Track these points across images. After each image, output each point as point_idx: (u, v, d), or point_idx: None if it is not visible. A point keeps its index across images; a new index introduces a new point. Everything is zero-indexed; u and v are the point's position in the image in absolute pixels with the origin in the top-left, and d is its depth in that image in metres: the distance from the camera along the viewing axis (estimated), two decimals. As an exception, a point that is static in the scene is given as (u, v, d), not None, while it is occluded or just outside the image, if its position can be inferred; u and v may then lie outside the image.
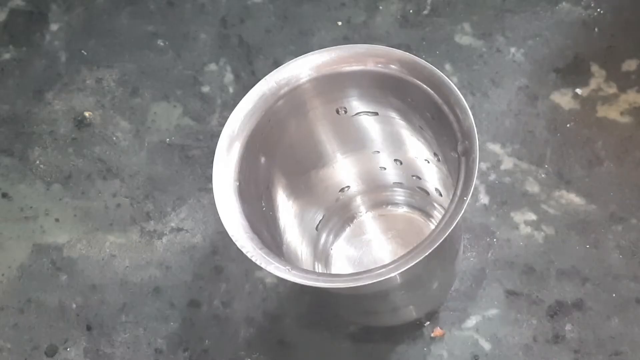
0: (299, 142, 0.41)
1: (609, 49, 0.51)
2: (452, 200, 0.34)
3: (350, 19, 0.55)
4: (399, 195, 0.47)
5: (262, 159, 0.39)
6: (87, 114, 0.54)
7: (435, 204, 0.46)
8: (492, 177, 0.49)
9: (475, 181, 0.34)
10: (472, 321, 0.46)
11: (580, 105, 0.50)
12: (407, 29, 0.54)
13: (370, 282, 0.33)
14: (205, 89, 0.54)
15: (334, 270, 0.47)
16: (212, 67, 0.55)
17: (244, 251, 0.34)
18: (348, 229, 0.48)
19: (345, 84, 0.38)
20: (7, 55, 0.57)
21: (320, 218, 0.46)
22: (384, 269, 0.33)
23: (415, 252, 0.33)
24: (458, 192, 0.34)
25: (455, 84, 0.36)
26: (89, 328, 0.48)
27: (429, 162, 0.42)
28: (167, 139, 0.53)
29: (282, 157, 0.40)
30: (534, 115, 0.50)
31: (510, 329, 0.45)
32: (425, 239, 0.34)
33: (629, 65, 0.51)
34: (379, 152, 0.43)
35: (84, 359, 0.48)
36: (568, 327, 0.45)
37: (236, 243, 0.34)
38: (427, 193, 0.45)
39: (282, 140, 0.40)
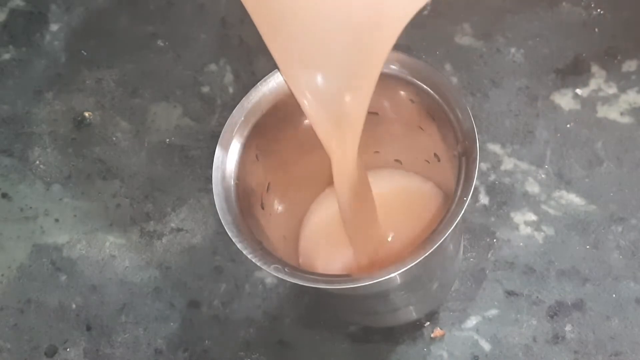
0: (299, 143, 0.41)
1: (609, 50, 0.51)
2: (452, 201, 0.34)
3: (350, 19, 0.55)
4: (399, 195, 0.47)
5: (262, 160, 0.39)
6: (87, 114, 0.54)
7: (435, 204, 0.46)
8: (492, 177, 0.49)
9: (475, 181, 0.34)
10: (472, 321, 0.46)
11: (580, 106, 0.50)
12: (407, 29, 0.53)
13: (370, 282, 0.33)
14: (205, 89, 0.54)
15: (333, 271, 0.47)
16: (212, 67, 0.55)
17: (244, 251, 0.34)
18: (348, 229, 0.48)
19: (345, 85, 0.38)
20: (6, 56, 0.57)
21: (321, 218, 0.46)
22: (384, 270, 0.33)
23: (415, 252, 0.33)
24: (458, 192, 0.34)
25: (455, 84, 0.36)
26: (88, 328, 0.48)
27: (429, 162, 0.42)
28: (167, 139, 0.53)
29: (282, 157, 0.40)
30: (533, 116, 0.50)
31: (510, 329, 0.45)
32: (425, 239, 0.34)
33: (629, 65, 0.51)
34: (379, 152, 0.43)
35: (83, 359, 0.48)
36: (568, 327, 0.45)
37: (236, 243, 0.34)
38: (427, 193, 0.45)
39: (282, 141, 0.40)
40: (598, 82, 0.51)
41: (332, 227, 0.43)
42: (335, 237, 0.42)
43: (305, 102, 0.34)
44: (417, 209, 0.43)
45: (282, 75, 0.35)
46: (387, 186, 0.43)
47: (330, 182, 0.44)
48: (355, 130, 0.34)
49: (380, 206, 0.40)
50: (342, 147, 0.35)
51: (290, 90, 0.35)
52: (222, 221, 0.35)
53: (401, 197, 0.44)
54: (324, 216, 0.44)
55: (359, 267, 0.41)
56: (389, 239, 0.42)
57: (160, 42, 0.56)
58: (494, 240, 0.47)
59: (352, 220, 0.38)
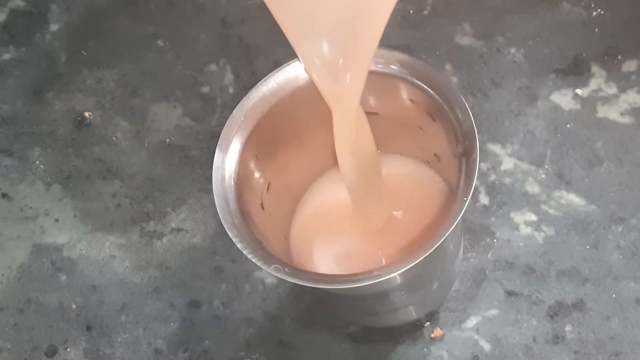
0: (298, 143, 0.41)
1: (609, 50, 0.51)
2: (451, 201, 0.34)
3: (350, 19, 0.55)
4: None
5: (262, 160, 0.39)
6: (87, 114, 0.54)
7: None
8: (492, 177, 0.49)
9: (475, 181, 0.34)
10: (472, 322, 0.46)
11: (580, 106, 0.50)
12: (408, 29, 0.54)
13: (370, 282, 0.33)
14: (205, 89, 0.54)
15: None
16: (212, 67, 0.55)
17: (244, 252, 0.34)
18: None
19: (345, 85, 0.38)
20: (7, 56, 0.57)
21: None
22: (384, 270, 0.33)
23: (415, 252, 0.33)
24: (458, 193, 0.34)
25: (455, 85, 0.36)
26: (88, 328, 0.48)
27: (429, 162, 0.42)
28: (167, 140, 0.53)
29: (281, 157, 0.40)
30: (534, 116, 0.50)
31: (510, 329, 0.45)
32: (425, 240, 0.34)
33: (629, 65, 0.51)
34: (378, 152, 0.43)
35: (83, 359, 0.48)
36: (568, 327, 0.45)
37: (236, 243, 0.34)
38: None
39: (282, 141, 0.40)
40: (598, 82, 0.51)
41: (323, 218, 0.43)
42: (327, 228, 0.42)
43: (306, 53, 0.34)
44: (420, 191, 0.42)
45: (282, 28, 0.34)
46: (388, 170, 0.42)
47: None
48: (359, 77, 0.34)
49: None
50: (342, 97, 0.34)
51: (293, 46, 0.34)
52: (222, 221, 0.35)
53: (403, 180, 0.43)
54: (315, 207, 0.43)
55: (363, 241, 0.40)
56: (395, 214, 0.41)
57: (160, 42, 0.56)
58: (494, 241, 0.47)
59: (356, 186, 0.37)
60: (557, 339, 0.45)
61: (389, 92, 0.38)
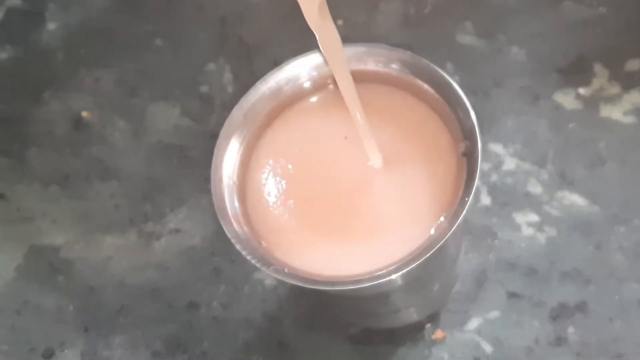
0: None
1: (612, 49, 0.51)
2: (453, 201, 0.34)
3: (350, 19, 0.54)
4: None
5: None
6: (84, 114, 0.54)
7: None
8: (494, 177, 0.49)
9: (477, 182, 0.34)
10: (473, 323, 0.46)
11: (582, 105, 0.50)
12: (408, 28, 0.54)
13: (370, 283, 0.33)
14: (204, 88, 0.54)
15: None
16: (211, 66, 0.55)
17: (243, 252, 0.34)
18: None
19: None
20: (4, 55, 0.57)
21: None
22: (384, 271, 0.33)
23: (417, 253, 0.33)
24: (460, 193, 0.34)
25: (456, 84, 0.35)
26: (86, 330, 0.48)
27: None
28: (166, 139, 0.53)
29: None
30: (536, 115, 0.50)
31: (512, 331, 0.45)
32: (426, 240, 0.33)
33: (632, 65, 0.51)
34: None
35: (81, 362, 0.48)
36: (570, 329, 0.45)
37: (235, 244, 0.34)
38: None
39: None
40: (601, 81, 0.50)
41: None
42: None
43: None
44: (411, 127, 0.38)
45: None
46: (376, 101, 0.38)
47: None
48: None
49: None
50: None
51: None
52: (220, 222, 0.35)
53: (393, 113, 0.39)
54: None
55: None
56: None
57: (159, 42, 0.56)
58: (496, 241, 0.47)
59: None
60: (560, 340, 0.45)
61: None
